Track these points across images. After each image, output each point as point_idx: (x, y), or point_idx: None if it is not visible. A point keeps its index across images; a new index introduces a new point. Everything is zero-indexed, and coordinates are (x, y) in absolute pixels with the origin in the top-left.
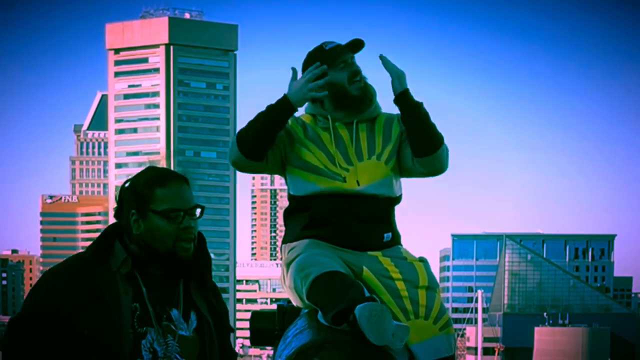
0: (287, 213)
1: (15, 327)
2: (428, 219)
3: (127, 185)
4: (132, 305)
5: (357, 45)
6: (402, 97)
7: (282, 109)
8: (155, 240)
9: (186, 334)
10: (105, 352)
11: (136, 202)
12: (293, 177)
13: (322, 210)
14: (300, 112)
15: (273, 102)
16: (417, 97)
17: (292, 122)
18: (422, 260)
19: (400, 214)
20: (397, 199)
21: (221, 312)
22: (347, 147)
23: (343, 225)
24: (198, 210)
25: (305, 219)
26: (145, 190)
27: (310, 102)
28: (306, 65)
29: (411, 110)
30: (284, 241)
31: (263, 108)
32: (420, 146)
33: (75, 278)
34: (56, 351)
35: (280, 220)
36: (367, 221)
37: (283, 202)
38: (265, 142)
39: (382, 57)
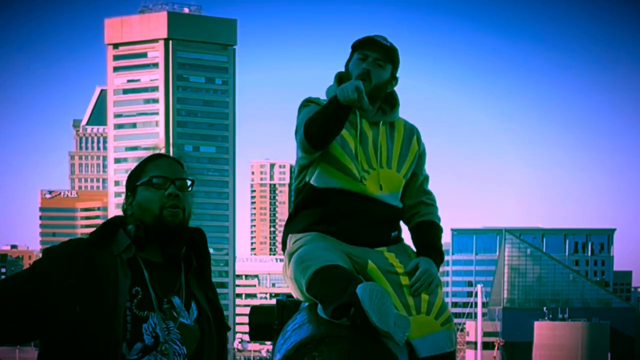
0: (302, 204)
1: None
2: None
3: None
4: (133, 289)
5: (378, 42)
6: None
7: (335, 110)
8: (144, 212)
9: (187, 322)
10: (96, 331)
11: (129, 185)
12: (317, 168)
13: (336, 208)
14: None
15: (273, 96)
16: (414, 94)
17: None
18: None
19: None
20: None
21: (219, 308)
22: (370, 148)
23: (355, 224)
24: (189, 182)
25: (318, 214)
26: (135, 170)
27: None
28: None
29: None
30: (291, 231)
31: (262, 102)
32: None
33: (74, 257)
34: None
35: (279, 215)
36: (380, 224)
37: (283, 197)
38: (331, 136)
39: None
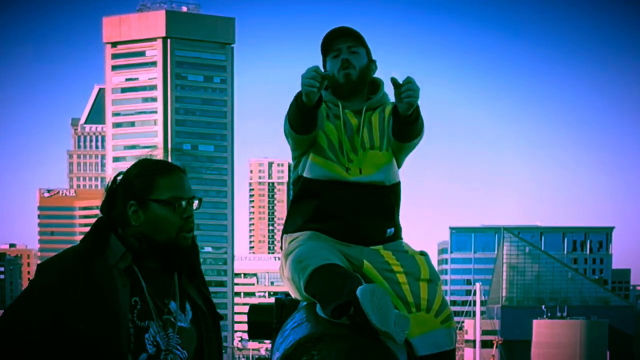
0: (296, 197)
1: (8, 320)
2: (426, 212)
3: (120, 177)
4: (132, 300)
5: (342, 32)
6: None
7: (296, 103)
8: (158, 230)
9: (184, 325)
10: (103, 346)
11: (135, 193)
12: (308, 158)
13: (328, 201)
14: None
15: (272, 95)
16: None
17: (322, 104)
18: (423, 253)
19: (402, 208)
20: (395, 186)
21: (209, 298)
22: (354, 135)
23: (347, 219)
24: (196, 202)
25: (310, 210)
26: (145, 180)
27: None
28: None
29: (411, 123)
30: (286, 231)
31: (260, 101)
32: (406, 137)
33: (72, 272)
34: (52, 345)
35: (278, 214)
36: (371, 215)
37: (281, 196)
38: (305, 125)
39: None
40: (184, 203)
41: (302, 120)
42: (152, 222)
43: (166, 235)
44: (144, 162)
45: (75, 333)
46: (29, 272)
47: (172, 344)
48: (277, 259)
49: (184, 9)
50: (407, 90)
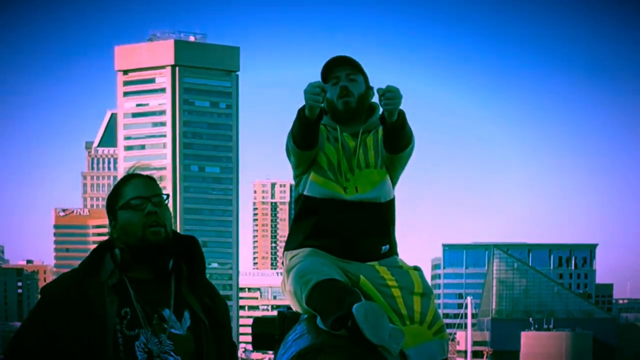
0: (297, 215)
1: (15, 338)
2: (421, 230)
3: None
4: (122, 311)
5: (340, 61)
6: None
7: (299, 117)
8: (128, 234)
9: (179, 332)
10: (90, 357)
11: (109, 209)
12: (309, 178)
13: (327, 218)
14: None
15: (274, 119)
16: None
17: (322, 126)
18: (417, 269)
19: (397, 226)
20: (390, 203)
21: (211, 307)
22: (351, 156)
23: (345, 237)
24: (165, 198)
25: (310, 227)
26: (112, 194)
27: (323, 113)
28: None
29: (397, 131)
30: (287, 248)
31: (264, 125)
32: (396, 147)
33: (63, 293)
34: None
35: (280, 232)
36: (367, 233)
37: (283, 215)
38: (307, 139)
39: (378, 91)
40: (143, 202)
41: (304, 135)
42: (122, 229)
43: (134, 235)
44: (116, 181)
45: (66, 347)
46: None
47: (164, 349)
48: (279, 274)
49: (192, 38)
50: (388, 98)
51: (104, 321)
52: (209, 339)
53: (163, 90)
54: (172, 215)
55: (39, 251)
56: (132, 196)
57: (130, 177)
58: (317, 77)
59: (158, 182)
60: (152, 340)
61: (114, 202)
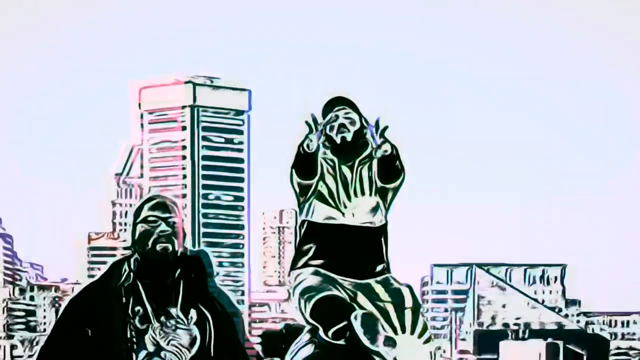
0: (301, 240)
1: (40, 353)
2: (412, 252)
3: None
4: (135, 308)
5: (339, 101)
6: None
7: (298, 151)
8: (141, 245)
9: (185, 328)
10: (102, 353)
11: (132, 224)
12: (311, 205)
13: (327, 241)
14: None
15: (282, 153)
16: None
17: (321, 157)
18: (408, 286)
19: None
20: (383, 227)
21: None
22: (349, 185)
23: (343, 258)
24: (173, 222)
25: (312, 249)
26: (136, 211)
27: (323, 146)
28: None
29: (388, 165)
30: (292, 268)
31: (272, 159)
32: (387, 178)
33: (81, 297)
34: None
35: (287, 253)
36: (363, 254)
37: (289, 238)
38: (306, 168)
39: (377, 124)
40: (158, 220)
41: (303, 165)
42: (138, 240)
43: (145, 247)
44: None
45: (80, 346)
46: None
47: (170, 342)
48: (285, 291)
49: (209, 82)
50: (384, 150)
51: (111, 319)
52: (211, 335)
53: (184, 128)
54: (183, 237)
55: (74, 270)
56: (150, 214)
57: (153, 198)
58: (319, 114)
59: (177, 208)
60: (159, 334)
61: (136, 216)
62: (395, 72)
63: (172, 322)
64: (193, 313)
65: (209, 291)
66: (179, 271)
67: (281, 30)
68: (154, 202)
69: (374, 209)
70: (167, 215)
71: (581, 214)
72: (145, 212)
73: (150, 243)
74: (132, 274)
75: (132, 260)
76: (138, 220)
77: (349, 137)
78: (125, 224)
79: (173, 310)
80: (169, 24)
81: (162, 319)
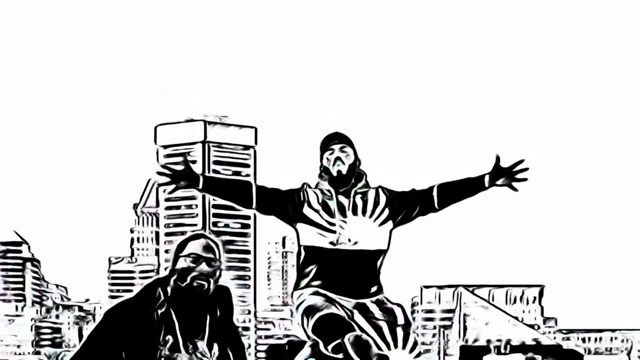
0: (302, 263)
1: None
2: (402, 274)
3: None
4: (165, 337)
5: (335, 136)
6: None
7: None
8: (180, 277)
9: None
10: None
11: (175, 253)
12: (306, 231)
13: (326, 264)
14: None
15: (285, 185)
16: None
17: (310, 190)
18: (400, 305)
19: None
20: (377, 252)
21: (240, 345)
22: (345, 212)
23: (341, 279)
24: (214, 263)
25: (312, 272)
26: (181, 244)
27: (319, 178)
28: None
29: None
30: (295, 289)
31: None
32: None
33: (117, 316)
34: None
35: (289, 275)
36: (359, 276)
37: (292, 261)
38: (234, 201)
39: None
40: (199, 259)
41: (226, 199)
42: (178, 272)
43: (184, 280)
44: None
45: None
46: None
47: None
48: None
49: (219, 120)
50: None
51: (146, 345)
52: None
53: (195, 162)
54: (219, 275)
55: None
56: (193, 252)
57: (199, 237)
58: (318, 149)
59: (218, 250)
60: None
61: (180, 249)
62: (395, 118)
63: (199, 354)
64: (216, 348)
65: (234, 323)
66: (208, 304)
67: (285, 73)
68: (199, 240)
69: (368, 236)
70: (209, 255)
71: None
72: (190, 249)
73: (189, 279)
74: (166, 302)
75: (168, 288)
76: (182, 254)
77: (344, 170)
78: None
79: (200, 344)
80: (185, 68)
81: (190, 349)
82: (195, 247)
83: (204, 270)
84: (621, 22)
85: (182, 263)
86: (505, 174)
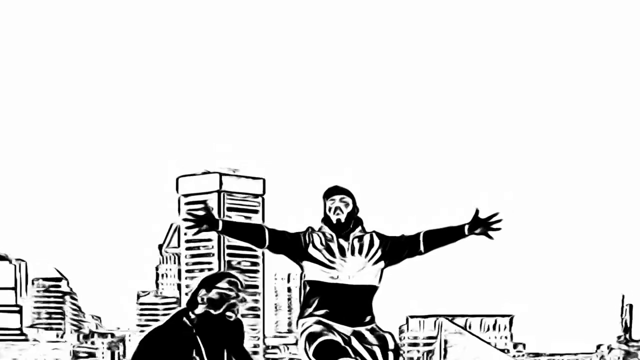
0: (305, 296)
1: None
2: (391, 306)
3: (202, 283)
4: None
5: (337, 189)
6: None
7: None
8: (214, 306)
9: None
10: None
11: (208, 284)
12: (311, 268)
13: (327, 297)
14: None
15: (290, 229)
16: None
17: (314, 233)
18: (390, 332)
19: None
20: (371, 287)
21: None
22: (344, 253)
23: (339, 310)
24: (242, 297)
25: (314, 303)
26: (216, 277)
27: (322, 222)
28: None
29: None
30: (299, 318)
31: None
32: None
33: (154, 340)
34: None
35: (293, 306)
36: (355, 308)
37: (296, 294)
38: (250, 242)
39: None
40: (233, 294)
41: (243, 240)
42: (211, 301)
43: (217, 309)
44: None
45: None
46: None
47: None
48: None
49: (231, 172)
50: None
51: None
52: None
53: (212, 208)
54: (241, 308)
55: (125, 321)
56: (229, 287)
57: (232, 276)
58: (317, 197)
59: (243, 285)
60: None
61: (215, 281)
62: (388, 169)
63: None
64: None
65: (245, 349)
66: (227, 332)
67: (289, 132)
68: (232, 279)
69: (364, 273)
70: (240, 291)
71: (528, 273)
72: (224, 284)
73: (223, 308)
74: (194, 327)
75: (198, 313)
76: (216, 286)
77: (342, 218)
78: (167, 284)
79: None
80: (206, 127)
81: None
82: (229, 283)
83: (235, 303)
84: (608, 39)
85: (216, 294)
86: (483, 225)
